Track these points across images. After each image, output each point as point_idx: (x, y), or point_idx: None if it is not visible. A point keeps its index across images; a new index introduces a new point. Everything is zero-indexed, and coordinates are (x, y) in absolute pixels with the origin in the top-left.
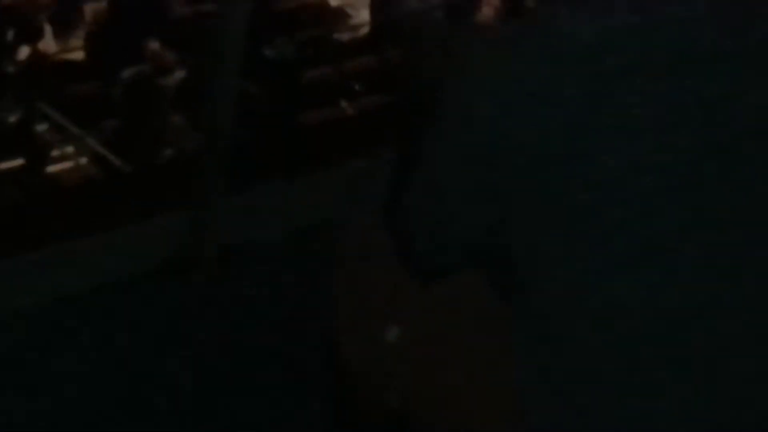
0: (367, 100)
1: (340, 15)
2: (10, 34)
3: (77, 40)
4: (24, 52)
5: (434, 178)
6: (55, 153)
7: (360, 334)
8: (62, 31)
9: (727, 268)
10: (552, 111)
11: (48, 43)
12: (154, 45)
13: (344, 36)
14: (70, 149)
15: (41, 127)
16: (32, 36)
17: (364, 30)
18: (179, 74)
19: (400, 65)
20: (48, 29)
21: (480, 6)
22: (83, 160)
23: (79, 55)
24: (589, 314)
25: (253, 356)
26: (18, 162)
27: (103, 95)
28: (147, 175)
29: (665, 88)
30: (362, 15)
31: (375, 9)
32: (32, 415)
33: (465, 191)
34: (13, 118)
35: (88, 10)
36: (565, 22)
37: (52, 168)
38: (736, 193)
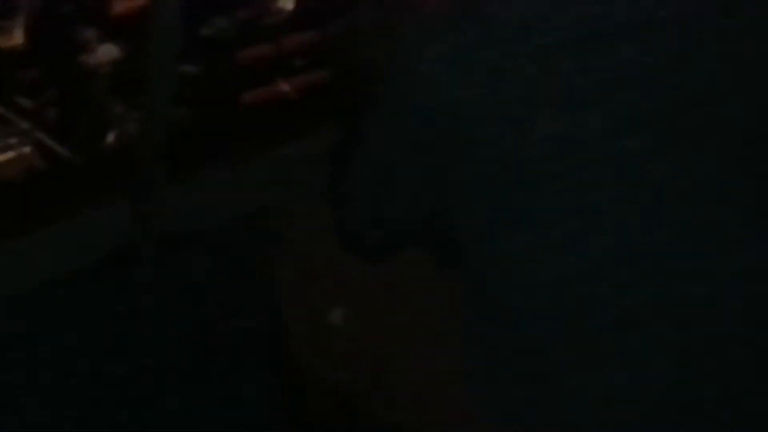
0: (306, 79)
1: None
2: None
3: (14, 30)
4: None
5: (377, 159)
6: None
7: (306, 317)
8: None
9: (665, 236)
10: (489, 90)
11: None
12: (90, 33)
13: (282, 14)
14: (11, 140)
15: None
16: None
17: (301, 6)
18: (115, 59)
19: (340, 49)
20: None
21: None
22: (25, 150)
23: (16, 44)
24: (534, 287)
25: (199, 342)
26: None
27: (40, 84)
28: (88, 166)
29: (595, 60)
30: None
31: None
32: None
33: (407, 171)
34: None
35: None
36: (499, 6)
37: None
38: (666, 161)
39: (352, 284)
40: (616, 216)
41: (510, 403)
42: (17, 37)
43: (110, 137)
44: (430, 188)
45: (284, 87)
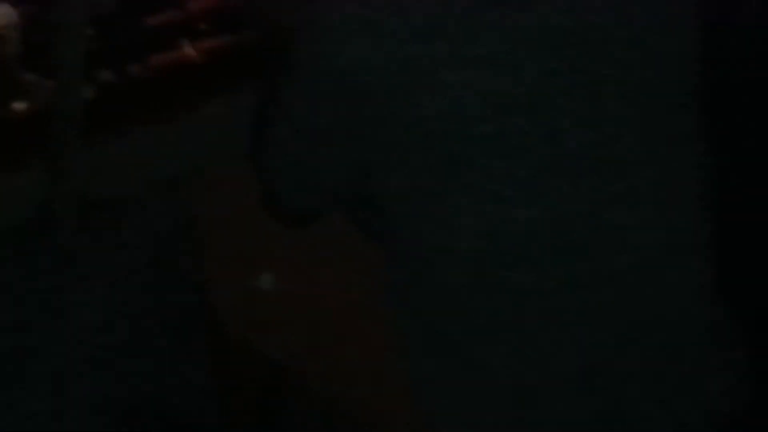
0: (214, 41)
1: None
2: None
3: None
4: None
5: (292, 121)
6: None
7: (233, 284)
8: None
9: (591, 195)
10: (403, 45)
11: None
12: None
13: None
14: None
15: None
16: None
17: None
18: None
19: (248, 7)
20: None
21: None
22: None
23: None
24: (458, 252)
25: (120, 313)
26: None
27: None
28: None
29: (514, 16)
30: None
31: None
32: None
33: (324, 132)
34: None
35: None
36: None
37: None
38: (599, 127)
39: (278, 250)
40: (541, 183)
41: (441, 378)
42: None
43: (20, 103)
44: (351, 154)
45: (195, 49)
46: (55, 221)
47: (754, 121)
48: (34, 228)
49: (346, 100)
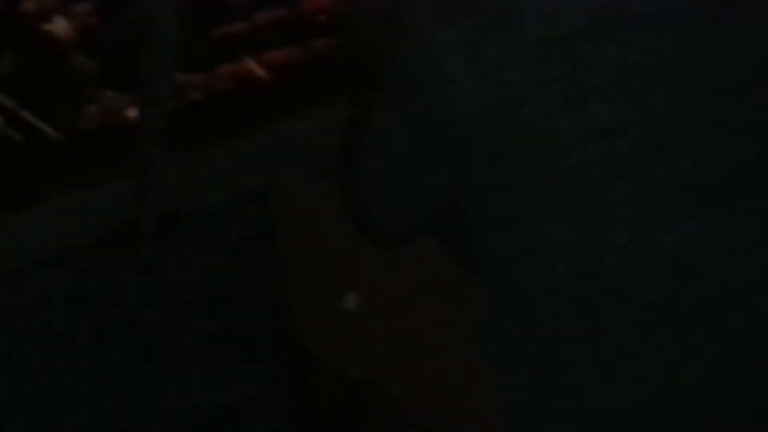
0: (283, 53)
1: None
2: None
3: None
4: None
5: (387, 143)
6: None
7: (316, 302)
8: None
9: (692, 227)
10: (504, 75)
11: None
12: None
13: None
14: None
15: None
16: None
17: None
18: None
19: (345, 30)
20: None
21: None
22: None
23: None
24: (552, 277)
25: (201, 323)
26: None
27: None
28: (85, 144)
29: (620, 49)
30: None
31: None
32: None
33: (419, 156)
34: None
35: None
36: None
37: None
38: (689, 155)
39: (364, 269)
40: (637, 210)
41: (526, 401)
42: None
43: (94, 113)
44: (445, 177)
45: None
46: (137, 234)
47: None
48: (117, 241)
49: (445, 124)
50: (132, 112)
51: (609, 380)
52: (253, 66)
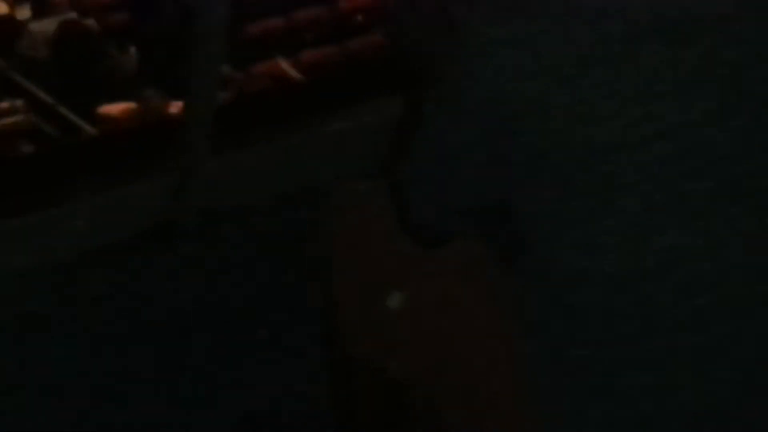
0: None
1: None
2: None
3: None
4: None
5: (438, 143)
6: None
7: (359, 300)
8: None
9: (746, 235)
10: (559, 75)
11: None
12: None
13: None
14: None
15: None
16: None
17: None
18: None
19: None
20: None
21: None
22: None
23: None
24: (600, 278)
25: (242, 321)
26: None
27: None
28: (124, 140)
29: (675, 52)
30: None
31: None
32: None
33: (470, 156)
34: None
35: None
36: None
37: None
38: (752, 157)
39: (409, 269)
40: (686, 212)
41: (571, 404)
42: None
43: (133, 110)
44: (495, 177)
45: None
46: (176, 232)
47: None
48: (155, 238)
49: (497, 124)
50: (173, 109)
51: (661, 385)
52: (285, 65)
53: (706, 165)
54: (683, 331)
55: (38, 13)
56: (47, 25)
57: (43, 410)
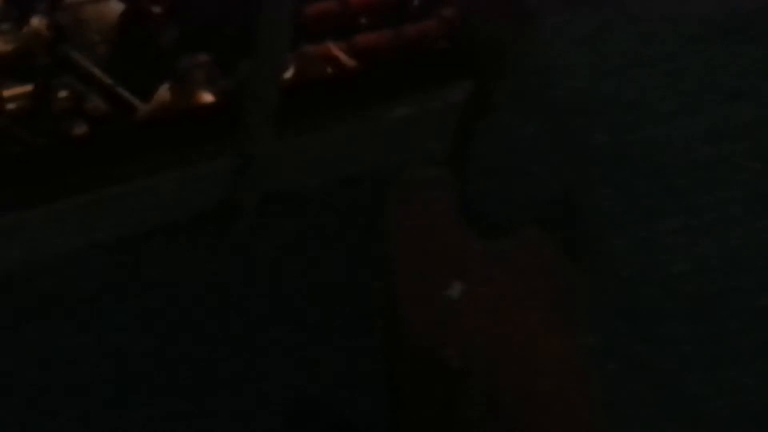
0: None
1: None
2: None
3: None
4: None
5: (505, 134)
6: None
7: (419, 289)
8: None
9: None
10: (631, 73)
11: None
12: None
13: None
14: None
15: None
16: None
17: None
18: None
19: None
20: None
21: None
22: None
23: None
24: (664, 276)
25: (294, 310)
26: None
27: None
28: (188, 122)
29: (747, 49)
30: None
31: None
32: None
33: (537, 149)
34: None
35: None
36: None
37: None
38: None
39: (471, 259)
40: (749, 213)
41: (632, 404)
42: None
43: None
44: (561, 171)
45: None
46: (235, 214)
47: None
48: (215, 220)
49: (565, 118)
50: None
51: (726, 390)
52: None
53: (764, 165)
54: (749, 331)
55: None
56: (110, 8)
57: (109, 385)
